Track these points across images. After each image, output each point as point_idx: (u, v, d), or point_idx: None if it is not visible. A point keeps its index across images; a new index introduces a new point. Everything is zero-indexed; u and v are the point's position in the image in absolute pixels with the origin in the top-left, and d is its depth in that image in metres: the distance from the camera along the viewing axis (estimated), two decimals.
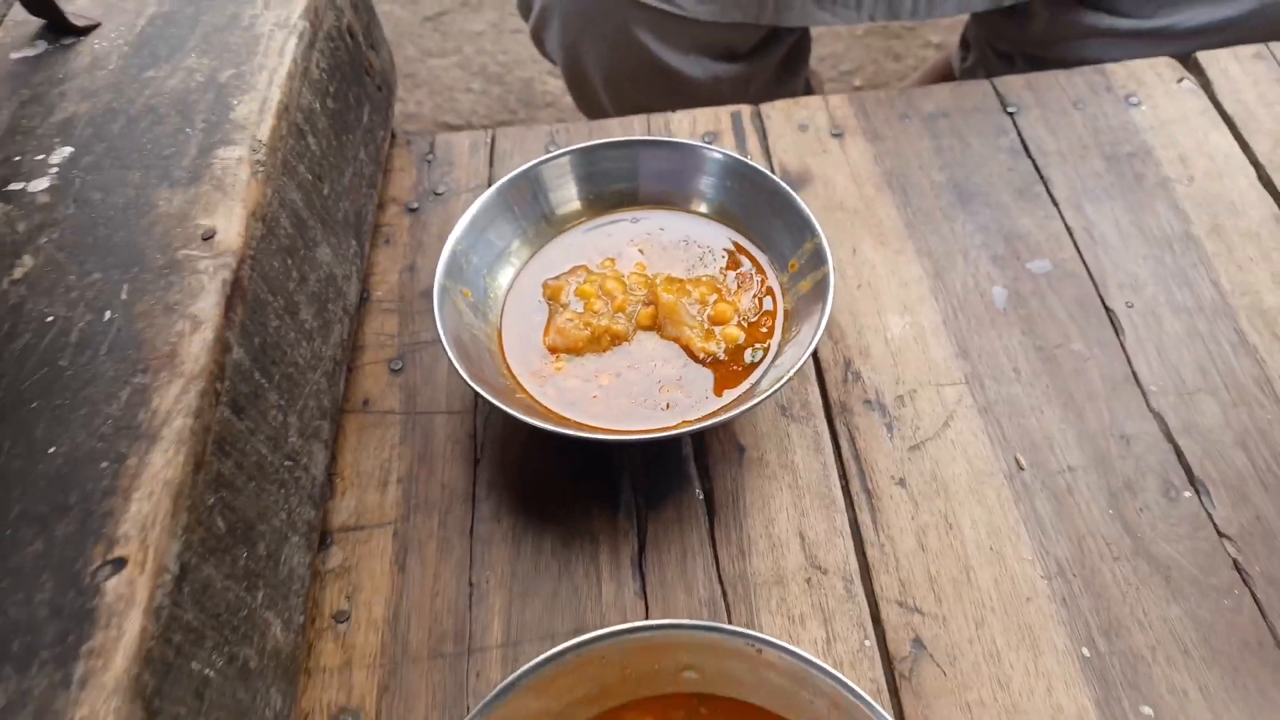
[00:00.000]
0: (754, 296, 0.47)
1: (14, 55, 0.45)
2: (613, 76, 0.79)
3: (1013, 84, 0.57)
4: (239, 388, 0.36)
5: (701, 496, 0.44)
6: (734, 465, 0.44)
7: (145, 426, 0.32)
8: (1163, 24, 0.69)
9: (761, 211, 0.47)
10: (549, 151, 0.51)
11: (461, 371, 0.41)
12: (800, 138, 0.56)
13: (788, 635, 0.39)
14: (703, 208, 0.49)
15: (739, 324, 0.46)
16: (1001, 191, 0.52)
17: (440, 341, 0.42)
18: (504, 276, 0.48)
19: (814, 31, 1.30)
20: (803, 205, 0.45)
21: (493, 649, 0.40)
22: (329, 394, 0.45)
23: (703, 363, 0.45)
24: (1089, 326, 0.47)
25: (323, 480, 0.43)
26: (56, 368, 0.34)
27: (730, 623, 0.39)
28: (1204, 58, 0.57)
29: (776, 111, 0.58)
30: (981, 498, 0.42)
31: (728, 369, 0.44)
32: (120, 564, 0.29)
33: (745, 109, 0.58)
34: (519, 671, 0.34)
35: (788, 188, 0.46)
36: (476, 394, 0.42)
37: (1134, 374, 0.45)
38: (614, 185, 0.50)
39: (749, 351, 0.45)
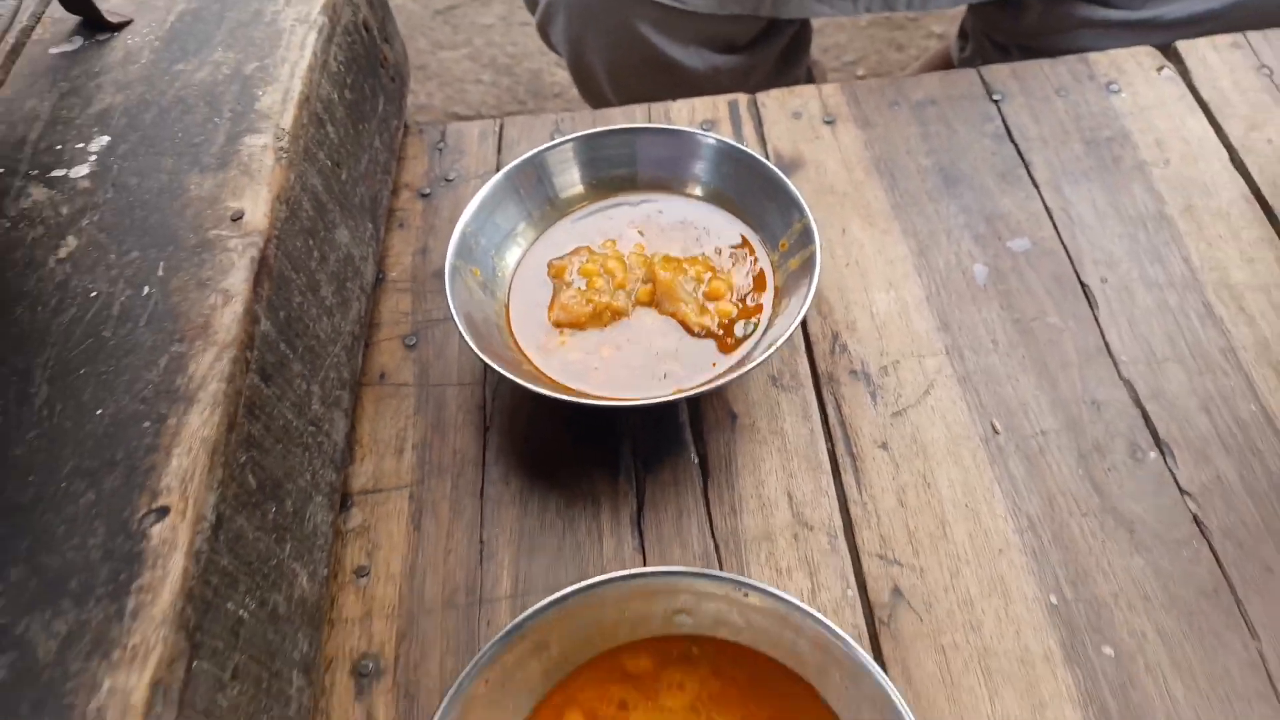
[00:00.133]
0: (746, 274, 0.49)
1: (53, 51, 0.48)
2: (616, 69, 0.82)
3: (999, 72, 0.60)
4: (266, 357, 0.39)
5: (696, 460, 0.46)
6: (727, 431, 0.47)
7: (183, 390, 0.35)
8: (1150, 15, 0.71)
9: (754, 194, 0.50)
10: (554, 139, 0.53)
11: (472, 345, 0.44)
12: (794, 125, 0.59)
13: (775, 585, 0.42)
14: (698, 191, 0.52)
15: (732, 300, 0.49)
16: (985, 175, 0.55)
17: (452, 318, 0.45)
18: (511, 256, 0.51)
19: (817, 23, 1.33)
20: (792, 187, 0.48)
21: (502, 600, 0.43)
22: (348, 366, 0.48)
23: (698, 336, 0.48)
24: (1065, 301, 0.49)
25: (343, 446, 0.47)
26: (100, 338, 0.37)
27: None
28: (1183, 46, 0.59)
29: (772, 100, 0.60)
30: (958, 459, 0.45)
31: (721, 341, 0.47)
32: (163, 512, 0.32)
33: (742, 98, 0.61)
34: (526, 613, 0.37)
35: (778, 171, 0.49)
36: (486, 366, 0.45)
37: (1106, 345, 0.48)
38: (614, 170, 0.53)
39: (741, 325, 0.48)
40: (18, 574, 0.31)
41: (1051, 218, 0.53)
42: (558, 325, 0.49)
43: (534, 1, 0.84)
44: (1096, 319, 0.49)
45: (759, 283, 0.49)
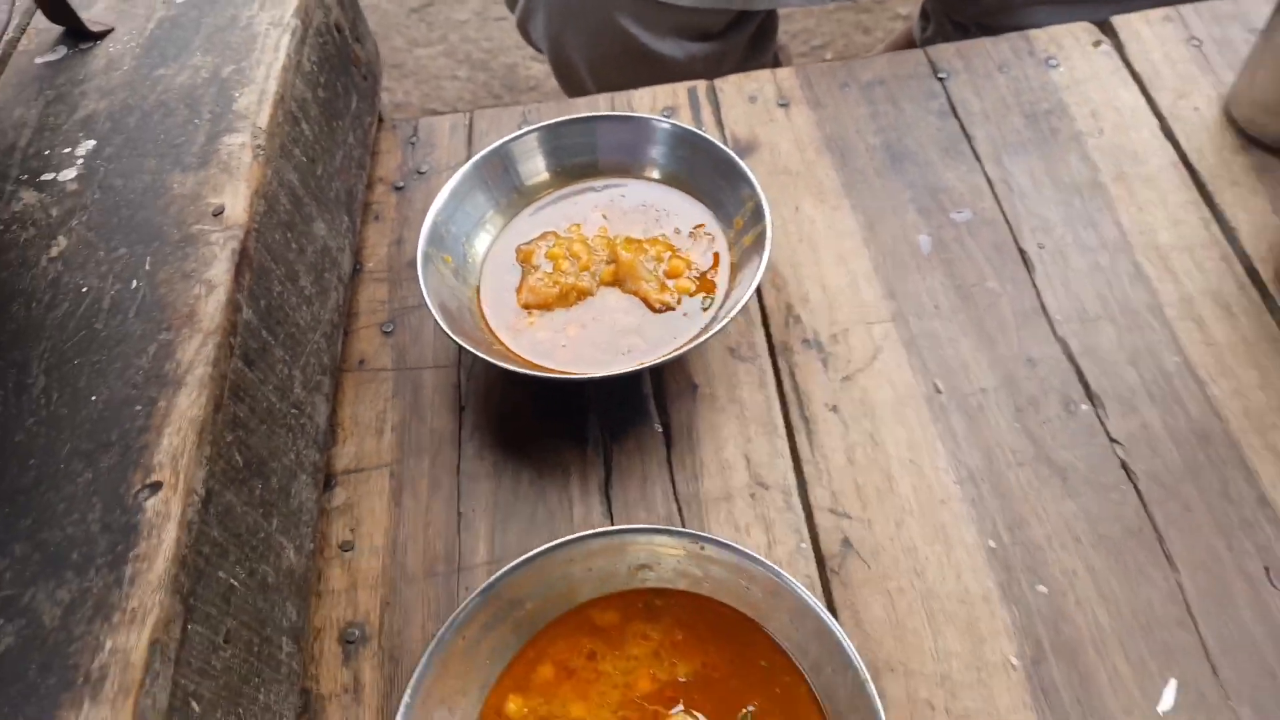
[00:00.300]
0: (704, 252, 0.52)
1: (38, 60, 0.51)
2: (597, 62, 0.84)
3: (944, 51, 0.62)
4: (249, 343, 0.42)
5: (660, 430, 0.49)
6: (689, 401, 0.50)
7: (171, 375, 0.38)
8: None
9: (709, 175, 0.53)
10: (521, 130, 0.56)
11: (445, 329, 0.47)
12: (750, 108, 0.61)
13: (734, 542, 0.45)
14: (657, 174, 0.55)
15: (690, 277, 0.51)
16: (930, 150, 0.58)
17: (426, 304, 0.48)
18: (481, 243, 0.54)
19: (785, 10, 1.35)
20: (744, 167, 0.51)
21: (479, 567, 0.46)
22: (328, 353, 0.51)
23: (659, 312, 0.50)
24: (1004, 266, 0.52)
25: (325, 428, 0.49)
26: (93, 330, 0.40)
27: None
28: (1117, 21, 0.62)
29: (729, 85, 0.63)
30: (903, 419, 0.48)
31: (680, 316, 0.50)
32: (157, 487, 0.35)
33: (701, 84, 0.64)
34: (499, 572, 0.40)
35: (731, 153, 0.51)
36: (460, 348, 0.47)
37: (1042, 306, 0.51)
38: (577, 158, 0.55)
39: (699, 299, 0.50)
40: (22, 549, 0.34)
41: (992, 189, 0.56)
42: (526, 307, 0.52)
43: (513, 0, 0.86)
44: (1033, 282, 0.52)
45: (716, 260, 0.52)
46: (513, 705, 0.39)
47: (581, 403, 0.50)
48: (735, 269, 0.51)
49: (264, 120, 0.47)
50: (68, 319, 0.40)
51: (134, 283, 0.41)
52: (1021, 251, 0.53)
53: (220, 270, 0.41)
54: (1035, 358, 0.49)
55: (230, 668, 0.36)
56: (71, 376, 0.38)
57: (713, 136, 0.52)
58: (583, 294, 0.52)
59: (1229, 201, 0.53)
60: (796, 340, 0.51)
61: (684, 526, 0.46)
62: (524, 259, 0.53)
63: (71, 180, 0.45)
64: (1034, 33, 0.63)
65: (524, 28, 0.88)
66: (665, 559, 0.41)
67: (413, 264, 0.56)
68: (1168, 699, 0.39)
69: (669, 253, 0.52)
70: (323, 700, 0.42)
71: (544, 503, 0.48)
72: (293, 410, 0.45)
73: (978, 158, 0.57)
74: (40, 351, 0.39)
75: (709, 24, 0.83)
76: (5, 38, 0.48)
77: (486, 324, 0.51)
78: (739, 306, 0.46)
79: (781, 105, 0.61)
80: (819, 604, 0.37)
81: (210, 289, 0.41)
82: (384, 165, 0.62)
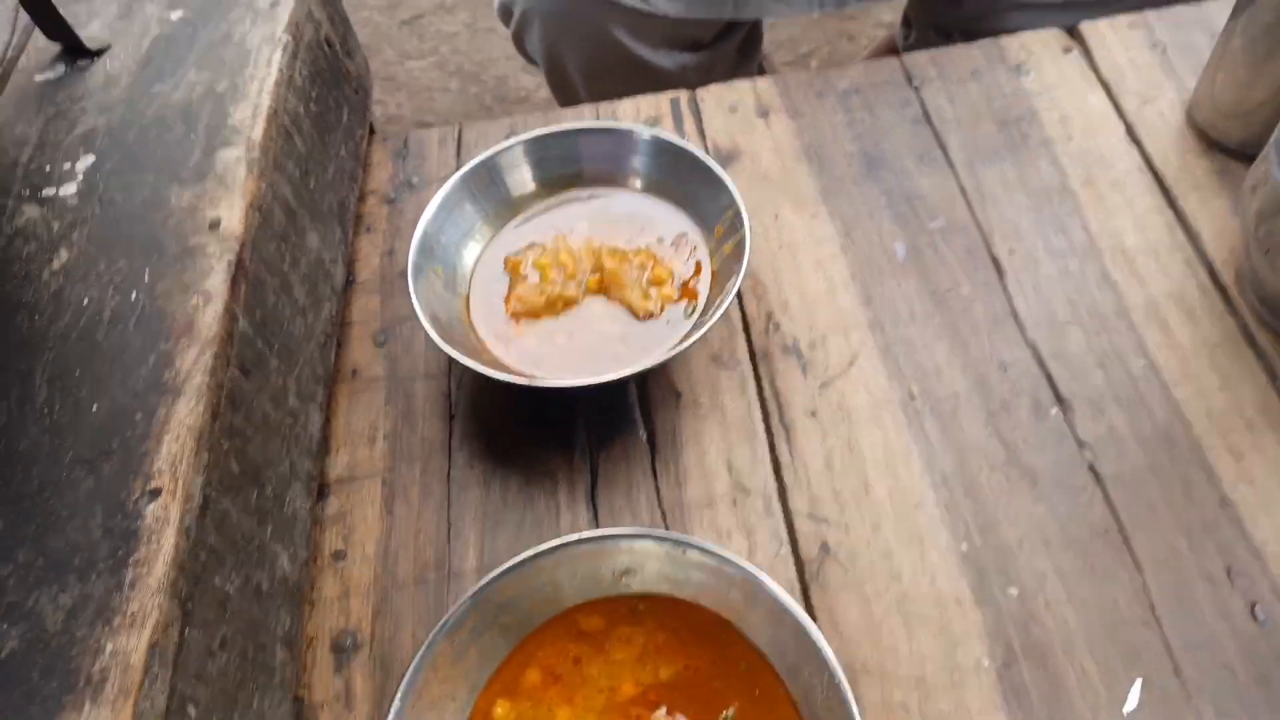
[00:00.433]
0: (686, 260, 0.54)
1: (38, 77, 0.52)
2: (591, 72, 0.86)
3: (919, 60, 0.64)
4: (245, 353, 0.43)
5: (645, 437, 0.51)
6: (673, 409, 0.51)
7: (170, 384, 0.39)
8: None
9: (690, 184, 0.54)
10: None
11: (435, 338, 0.48)
12: (731, 118, 0.63)
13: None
14: (640, 184, 0.56)
15: (673, 285, 0.53)
16: (905, 157, 0.59)
17: (417, 315, 0.49)
18: (470, 254, 0.55)
19: (771, 19, 1.37)
20: (723, 175, 0.52)
21: (469, 573, 0.47)
22: (321, 363, 0.52)
23: (643, 320, 0.52)
24: (976, 272, 0.54)
25: (319, 438, 0.51)
26: (94, 340, 0.41)
27: None
28: (1086, 28, 0.64)
29: (710, 95, 0.64)
30: (880, 423, 0.49)
31: (664, 324, 0.52)
32: (156, 493, 0.36)
33: (683, 94, 0.65)
34: (486, 578, 0.41)
35: (711, 161, 0.53)
36: (450, 358, 0.49)
37: (1013, 311, 0.52)
38: (562, 169, 0.57)
39: (683, 307, 0.52)
40: (26, 555, 0.35)
41: (965, 195, 0.57)
42: (515, 316, 0.53)
43: (508, 14, 0.87)
44: (1005, 287, 0.53)
45: (698, 268, 0.53)
46: (500, 709, 0.40)
47: (568, 411, 0.52)
48: (717, 277, 0.52)
49: (258, 135, 0.48)
50: (69, 330, 0.41)
51: (134, 294, 0.42)
52: (994, 257, 0.55)
53: (217, 281, 0.43)
54: (1007, 362, 0.50)
55: (225, 673, 0.37)
56: (73, 386, 0.40)
57: (695, 146, 0.54)
58: (569, 303, 0.53)
59: (1192, 205, 0.55)
60: (776, 347, 0.53)
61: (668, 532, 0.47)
62: (512, 269, 0.54)
63: (72, 195, 0.46)
64: (1006, 39, 0.64)
65: (519, 41, 0.89)
66: (649, 563, 0.42)
67: (404, 274, 0.57)
68: (1133, 699, 0.41)
69: (652, 262, 0.53)
70: (315, 709, 0.44)
71: (532, 510, 0.49)
72: (288, 419, 0.47)
73: (951, 165, 0.59)
74: (43, 362, 0.40)
75: (699, 34, 0.85)
76: (5, 56, 0.49)
77: (476, 333, 0.53)
78: (718, 314, 0.48)
79: (761, 115, 0.63)
80: (797, 607, 0.39)
81: (207, 300, 0.42)
82: (375, 177, 0.64)
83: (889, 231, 0.56)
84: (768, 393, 0.51)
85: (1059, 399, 0.49)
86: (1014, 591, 0.44)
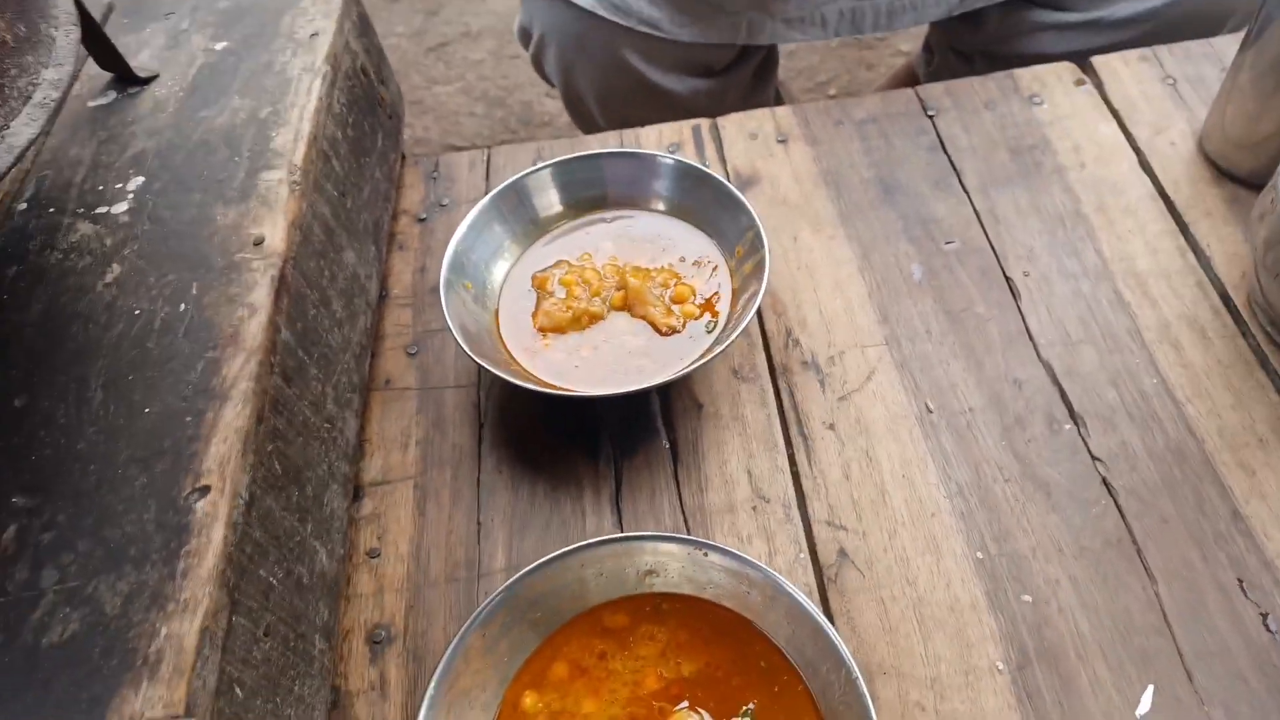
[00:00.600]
0: (707, 279, 0.56)
1: (91, 104, 0.55)
2: (605, 95, 0.88)
3: (933, 90, 0.66)
4: (287, 361, 0.45)
5: (668, 445, 0.52)
6: (694, 419, 0.53)
7: (218, 389, 0.41)
8: (1098, 15, 0.77)
9: (711, 207, 0.56)
10: (536, 165, 0.60)
11: (466, 350, 0.50)
12: (751, 144, 0.65)
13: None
14: (662, 206, 0.58)
15: (695, 302, 0.55)
16: (920, 183, 0.61)
17: (448, 328, 0.51)
18: (499, 271, 0.57)
19: (790, 45, 1.40)
20: (743, 199, 0.54)
21: (497, 573, 0.49)
22: (357, 372, 0.54)
23: (666, 335, 0.54)
24: (990, 292, 0.55)
25: (355, 443, 0.53)
26: (145, 349, 0.43)
27: None
28: (1097, 61, 0.66)
29: (731, 123, 0.67)
30: (896, 436, 0.51)
31: (686, 338, 0.53)
32: (205, 490, 0.38)
33: (704, 122, 0.67)
34: (516, 575, 0.43)
35: (731, 185, 0.55)
36: (480, 368, 0.51)
37: (1027, 330, 0.54)
38: (588, 191, 0.59)
39: (704, 323, 0.54)
40: (86, 545, 0.37)
41: (979, 219, 0.59)
42: (542, 330, 0.55)
43: (527, 37, 0.90)
44: (1019, 307, 0.55)
45: (719, 286, 0.55)
46: (529, 700, 0.42)
47: (593, 420, 0.54)
48: (737, 294, 0.54)
49: (299, 158, 0.51)
50: (122, 339, 0.44)
51: (182, 306, 0.45)
52: (1008, 278, 0.56)
53: (261, 295, 0.45)
54: (1021, 379, 0.52)
55: (269, 659, 0.39)
56: (127, 390, 0.42)
57: (715, 171, 0.56)
58: (594, 318, 0.55)
59: (1203, 231, 0.56)
60: (796, 362, 0.54)
61: (689, 535, 0.49)
62: (539, 285, 0.57)
63: (124, 213, 0.49)
64: (1018, 72, 0.66)
65: (538, 63, 0.92)
66: (671, 565, 0.44)
67: (435, 290, 0.59)
68: (1145, 703, 0.42)
69: (675, 280, 0.55)
70: (351, 697, 0.45)
71: (558, 513, 0.51)
72: (325, 424, 0.49)
73: (965, 190, 0.61)
74: (98, 368, 0.42)
75: (711, 60, 0.87)
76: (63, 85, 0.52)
77: (504, 346, 0.54)
78: (740, 329, 0.49)
79: (780, 141, 0.65)
80: (815, 608, 0.40)
81: (252, 312, 0.44)
82: (408, 198, 0.66)
83: (905, 253, 0.58)
84: (787, 405, 0.53)
85: (1072, 415, 0.50)
86: (1028, 598, 0.45)
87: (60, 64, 0.41)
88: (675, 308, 0.54)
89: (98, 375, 0.42)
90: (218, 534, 0.37)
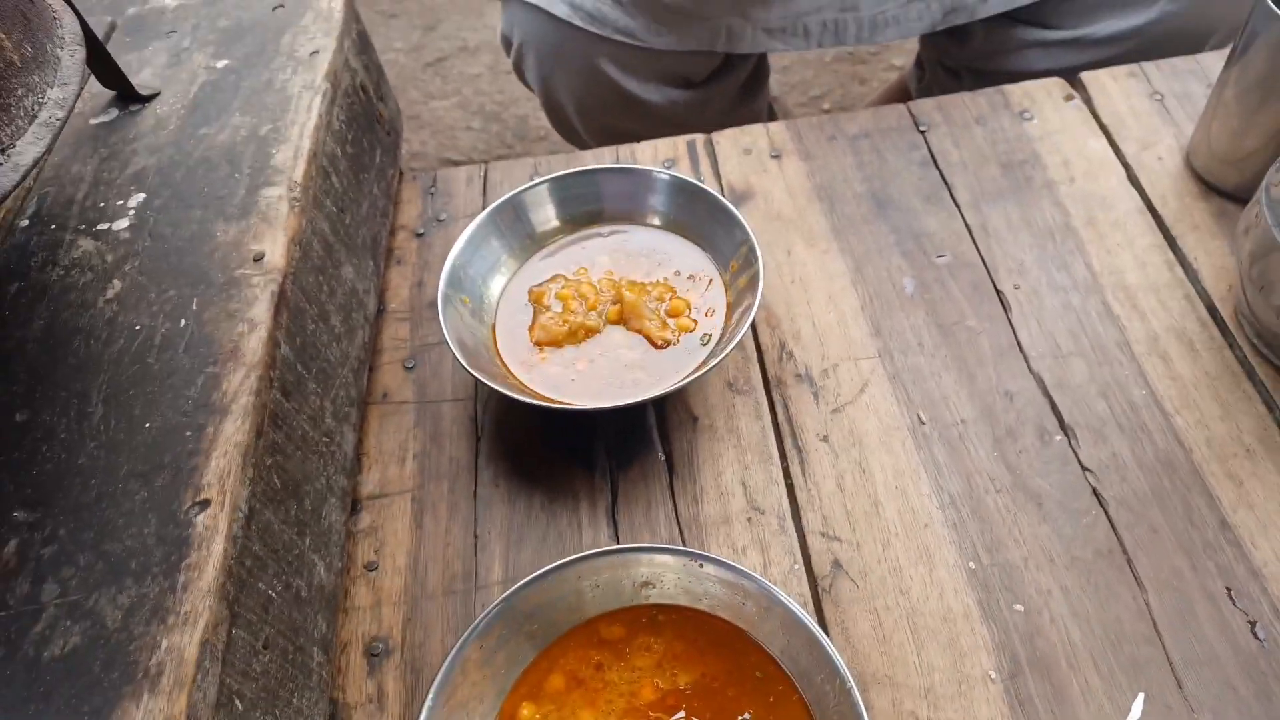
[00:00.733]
0: (702, 293, 0.56)
1: (93, 121, 0.56)
2: (583, 104, 0.88)
3: (925, 106, 0.67)
4: (286, 376, 0.46)
5: (663, 458, 0.53)
6: (689, 432, 0.54)
7: (218, 404, 0.42)
8: (1083, 33, 0.78)
9: (705, 222, 0.57)
10: (532, 181, 0.60)
11: (464, 364, 0.51)
12: (745, 160, 0.66)
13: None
14: (657, 221, 0.59)
15: (690, 316, 0.55)
16: (912, 198, 0.62)
17: (445, 342, 0.52)
18: (496, 285, 0.58)
19: (783, 61, 1.41)
20: (737, 214, 0.55)
21: (495, 585, 0.49)
22: (355, 386, 0.55)
23: (661, 348, 0.54)
24: (982, 306, 0.56)
25: (353, 456, 0.53)
26: (146, 364, 0.44)
27: None
28: (1086, 77, 0.67)
29: (725, 139, 0.68)
30: (889, 448, 0.51)
31: (681, 352, 0.54)
32: (205, 504, 0.39)
33: (699, 137, 0.68)
34: (513, 588, 0.43)
35: (725, 200, 0.56)
36: (477, 382, 0.51)
37: (1018, 342, 0.54)
38: (584, 206, 0.60)
39: (699, 336, 0.54)
40: (87, 559, 0.37)
41: (971, 233, 0.60)
42: (538, 344, 0.55)
43: (508, 44, 0.90)
44: (1009, 320, 0.55)
45: (714, 300, 0.56)
46: (526, 711, 0.42)
47: (589, 433, 0.54)
48: (731, 308, 0.55)
49: (299, 175, 0.52)
50: (123, 354, 0.44)
51: (183, 321, 0.45)
52: (998, 292, 0.57)
53: (261, 310, 0.45)
54: (1012, 391, 0.52)
55: (268, 672, 0.39)
56: (127, 405, 0.42)
57: (710, 186, 0.56)
58: (590, 332, 0.55)
59: (1191, 245, 0.57)
60: (789, 375, 0.55)
61: (685, 546, 0.49)
62: (536, 300, 0.57)
63: (124, 229, 0.49)
64: (1009, 88, 0.67)
65: (519, 70, 0.92)
66: (667, 576, 0.44)
67: (433, 304, 0.60)
68: (1136, 711, 0.42)
69: (670, 294, 0.56)
70: (349, 709, 0.46)
71: (555, 526, 0.51)
72: (324, 438, 0.49)
73: (957, 204, 0.61)
74: (99, 383, 0.43)
75: (691, 71, 0.86)
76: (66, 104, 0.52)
77: (501, 360, 0.55)
78: (735, 342, 0.50)
79: (774, 156, 0.66)
80: (809, 618, 0.41)
81: (252, 327, 0.45)
82: (405, 214, 0.67)
83: (897, 267, 0.59)
84: (781, 417, 0.53)
85: (1063, 426, 0.51)
86: (1020, 608, 0.45)
87: (66, 84, 0.42)
88: (670, 321, 0.55)
89: (99, 390, 0.43)
90: (218, 547, 0.38)
